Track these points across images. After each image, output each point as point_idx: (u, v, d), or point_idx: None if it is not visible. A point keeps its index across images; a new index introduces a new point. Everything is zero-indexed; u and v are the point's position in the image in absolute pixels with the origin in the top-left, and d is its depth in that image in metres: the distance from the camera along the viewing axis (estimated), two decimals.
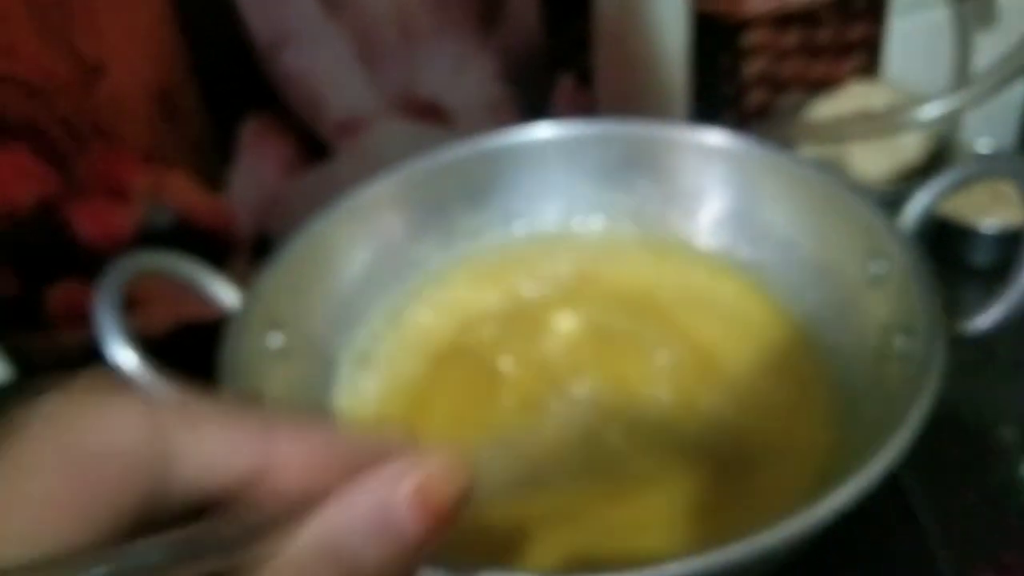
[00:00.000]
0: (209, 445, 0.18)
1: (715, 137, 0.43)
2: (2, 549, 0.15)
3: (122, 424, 0.17)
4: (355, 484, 0.18)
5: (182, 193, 0.54)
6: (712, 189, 0.44)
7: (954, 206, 0.54)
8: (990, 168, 0.39)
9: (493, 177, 0.47)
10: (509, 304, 0.45)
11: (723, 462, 0.37)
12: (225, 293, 0.41)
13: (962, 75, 0.62)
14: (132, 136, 0.51)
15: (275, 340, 0.40)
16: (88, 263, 0.51)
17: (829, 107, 0.56)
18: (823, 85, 0.59)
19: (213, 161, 0.53)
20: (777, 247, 0.42)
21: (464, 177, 0.46)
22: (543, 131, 0.46)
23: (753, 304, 0.43)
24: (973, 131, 0.63)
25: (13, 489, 0.16)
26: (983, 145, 0.61)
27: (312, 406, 0.41)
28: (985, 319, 0.35)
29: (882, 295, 0.37)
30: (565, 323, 0.44)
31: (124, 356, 0.36)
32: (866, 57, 0.59)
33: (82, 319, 0.54)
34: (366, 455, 0.19)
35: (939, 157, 0.55)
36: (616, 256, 0.46)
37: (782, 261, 0.42)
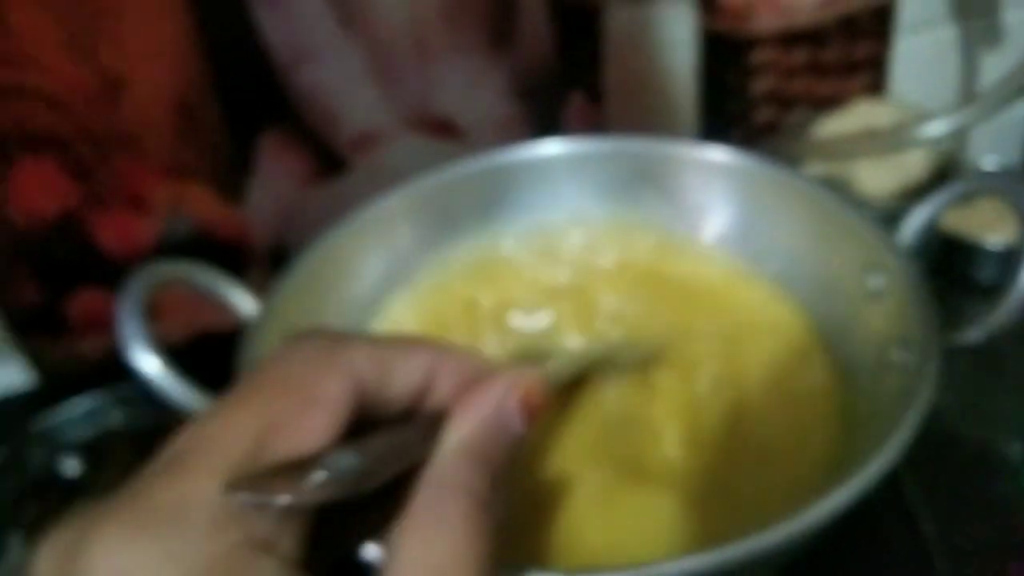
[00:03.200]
0: (404, 369, 0.25)
1: (719, 154, 0.45)
2: (298, 440, 0.22)
3: (358, 356, 0.24)
4: (480, 395, 0.25)
5: (202, 205, 0.55)
6: (716, 204, 0.45)
7: (960, 222, 0.55)
8: (986, 186, 0.40)
9: (503, 191, 0.48)
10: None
11: (736, 458, 0.38)
12: (243, 301, 0.42)
13: (968, 93, 0.63)
14: (154, 149, 0.52)
15: None
16: (110, 273, 0.53)
17: (836, 125, 0.57)
18: (830, 103, 0.60)
19: (232, 174, 0.55)
20: (780, 261, 0.43)
21: (475, 191, 0.48)
22: (551, 147, 0.48)
23: (769, 309, 0.43)
24: (979, 149, 0.64)
25: (300, 395, 0.23)
26: (989, 162, 0.61)
27: None
28: (978, 331, 0.36)
29: (881, 308, 0.38)
30: (574, 334, 0.45)
31: (147, 362, 0.38)
32: (873, 75, 0.60)
33: (103, 327, 0.56)
34: (485, 372, 0.26)
35: (944, 174, 0.56)
36: (625, 267, 0.47)
37: (785, 275, 0.43)
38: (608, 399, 0.40)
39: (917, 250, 0.39)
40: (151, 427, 0.51)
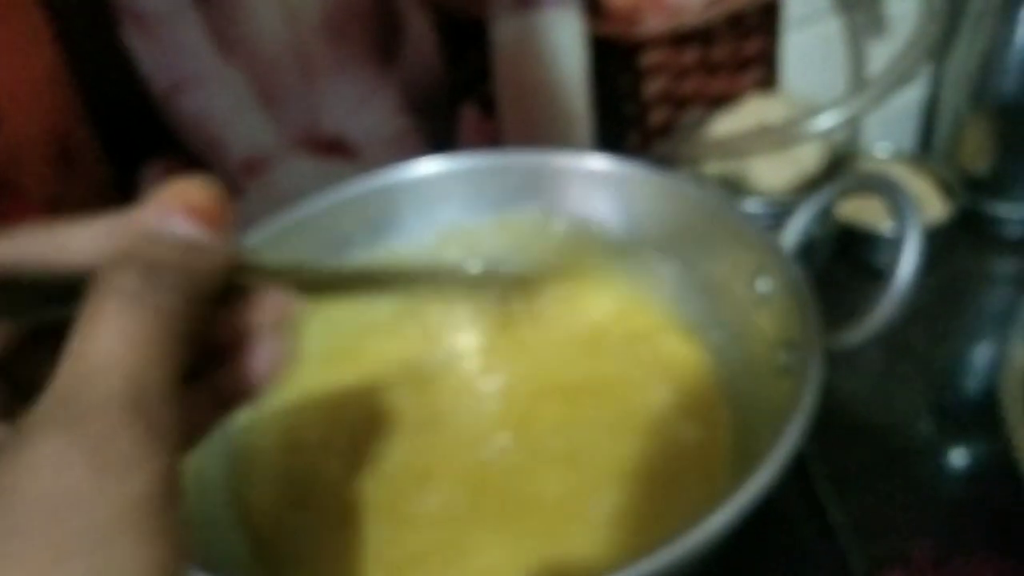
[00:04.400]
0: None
1: (601, 163, 0.44)
2: None
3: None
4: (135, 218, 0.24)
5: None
6: (602, 213, 0.45)
7: (858, 211, 0.56)
8: (862, 185, 0.40)
9: (390, 212, 0.47)
10: (409, 350, 0.45)
11: (643, 482, 0.37)
12: None
13: (857, 83, 0.63)
14: (32, 186, 0.50)
15: None
16: None
17: (729, 122, 0.57)
18: (723, 100, 0.60)
19: (117, 208, 0.53)
20: (670, 268, 0.43)
21: (361, 213, 0.47)
22: (431, 165, 0.47)
23: (654, 326, 0.43)
24: (871, 136, 0.65)
25: None
26: (881, 149, 0.62)
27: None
28: (856, 335, 0.36)
29: (767, 312, 0.38)
30: (468, 367, 0.44)
31: None
32: (763, 71, 0.61)
33: None
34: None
35: (838, 164, 0.56)
36: (518, 287, 0.47)
37: (675, 283, 0.43)
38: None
39: (804, 250, 0.39)
40: None
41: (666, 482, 0.37)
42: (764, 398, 0.36)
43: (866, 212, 0.56)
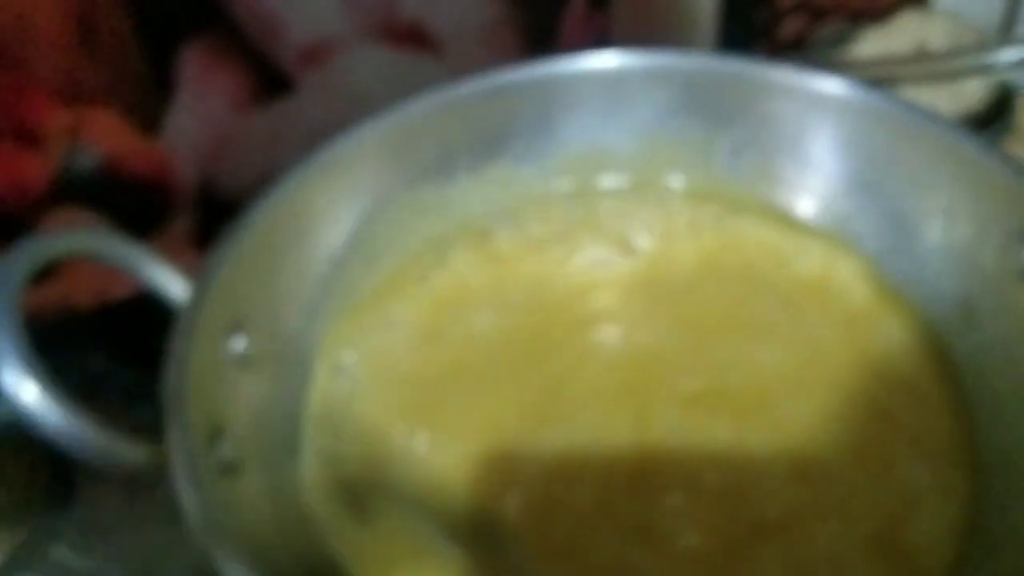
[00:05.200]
0: None
1: (828, 84, 0.35)
2: None
3: None
4: None
5: (108, 136, 0.43)
6: (820, 149, 0.36)
7: None
8: None
9: (513, 122, 0.38)
10: (536, 287, 0.37)
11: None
12: (169, 282, 0.32)
13: (1013, 10, 0.54)
14: (44, 67, 0.40)
15: (237, 343, 0.32)
16: None
17: (878, 42, 0.48)
18: (866, 14, 0.51)
19: (147, 97, 0.43)
20: (900, 227, 0.34)
21: (476, 122, 0.38)
22: (595, 62, 0.38)
23: (870, 295, 0.35)
24: None
25: None
26: None
27: (284, 419, 0.33)
28: None
29: None
30: (611, 325, 0.36)
31: (23, 386, 0.27)
32: None
33: None
34: None
35: (1004, 103, 0.48)
36: (692, 227, 0.38)
37: (905, 245, 0.34)
38: None
39: None
40: None
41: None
42: (1016, 406, 0.29)
43: None
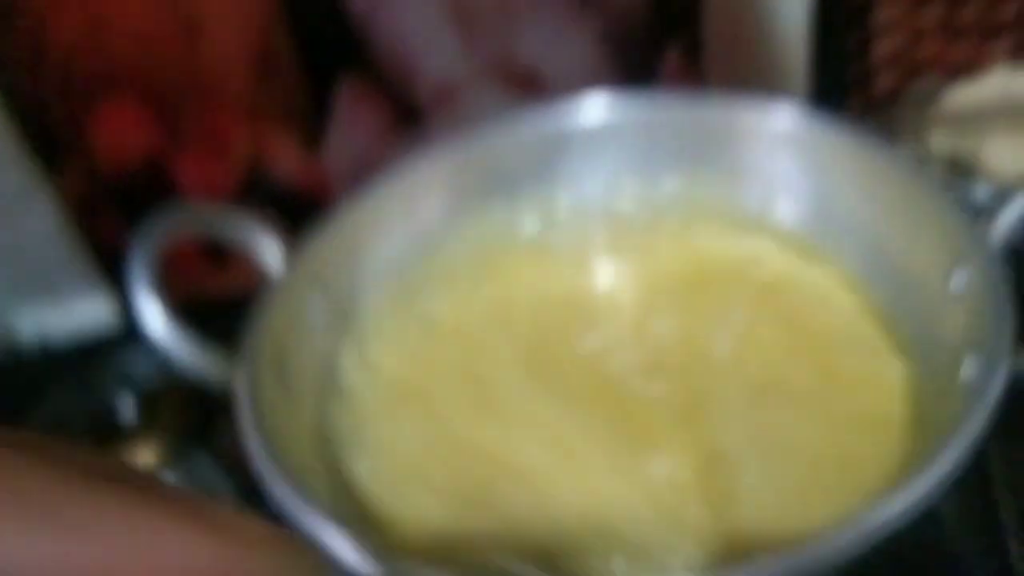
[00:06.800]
0: None
1: (784, 120, 0.39)
2: None
3: None
4: None
5: (282, 153, 0.54)
6: (790, 175, 0.40)
7: None
8: None
9: (562, 153, 0.44)
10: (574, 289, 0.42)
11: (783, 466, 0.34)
12: (274, 258, 0.40)
13: None
14: (232, 94, 0.52)
15: (314, 303, 0.38)
16: None
17: (968, 93, 0.50)
18: (966, 69, 0.53)
19: (311, 122, 0.54)
20: (860, 246, 0.37)
21: (527, 155, 0.42)
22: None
23: (844, 294, 0.38)
24: None
25: None
26: None
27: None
28: None
29: (960, 310, 0.32)
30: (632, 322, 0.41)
31: (151, 314, 0.35)
32: (1017, 38, 0.53)
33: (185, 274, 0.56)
34: None
35: None
36: (699, 234, 0.43)
37: (865, 262, 0.37)
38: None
39: (1017, 249, 0.33)
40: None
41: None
42: (937, 396, 0.31)
43: None
